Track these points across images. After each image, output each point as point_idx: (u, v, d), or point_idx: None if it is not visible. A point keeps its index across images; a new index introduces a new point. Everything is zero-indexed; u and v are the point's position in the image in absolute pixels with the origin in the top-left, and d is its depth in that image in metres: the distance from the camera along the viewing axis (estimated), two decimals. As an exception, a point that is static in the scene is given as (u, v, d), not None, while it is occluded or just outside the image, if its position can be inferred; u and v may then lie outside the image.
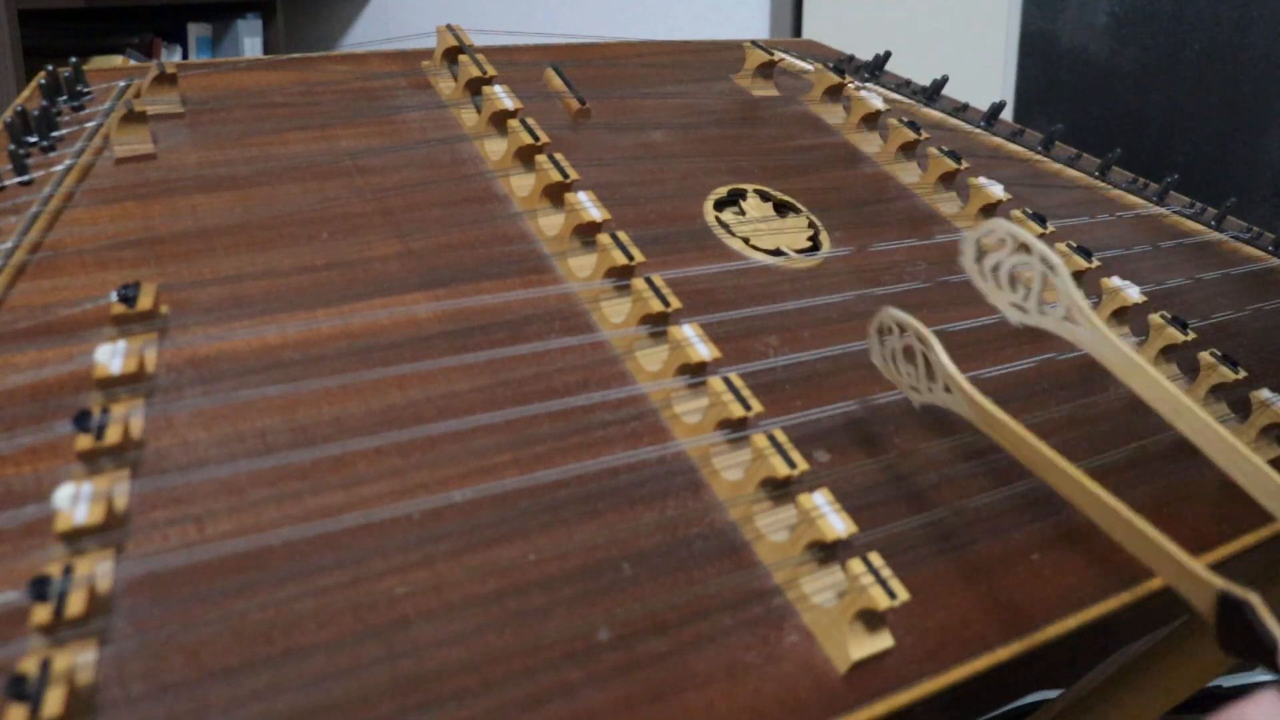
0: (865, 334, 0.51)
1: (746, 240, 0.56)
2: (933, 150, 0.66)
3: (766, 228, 0.57)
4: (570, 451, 0.40)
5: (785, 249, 0.56)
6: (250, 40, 1.78)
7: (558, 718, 0.32)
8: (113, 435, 0.34)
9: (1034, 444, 0.38)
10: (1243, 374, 0.55)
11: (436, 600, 0.34)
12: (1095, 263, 0.59)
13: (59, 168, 0.46)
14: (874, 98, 0.70)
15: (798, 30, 1.40)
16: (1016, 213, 0.62)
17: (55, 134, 0.49)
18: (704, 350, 0.43)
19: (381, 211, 0.49)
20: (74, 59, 0.55)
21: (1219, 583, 0.32)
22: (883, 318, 0.43)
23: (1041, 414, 0.49)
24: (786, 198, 0.60)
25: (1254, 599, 0.31)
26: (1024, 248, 0.41)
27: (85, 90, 0.53)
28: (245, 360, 0.40)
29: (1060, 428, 0.49)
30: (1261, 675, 0.66)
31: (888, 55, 0.81)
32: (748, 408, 0.40)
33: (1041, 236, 0.61)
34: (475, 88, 0.58)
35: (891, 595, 0.35)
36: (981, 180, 0.64)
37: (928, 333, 0.42)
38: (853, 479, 0.43)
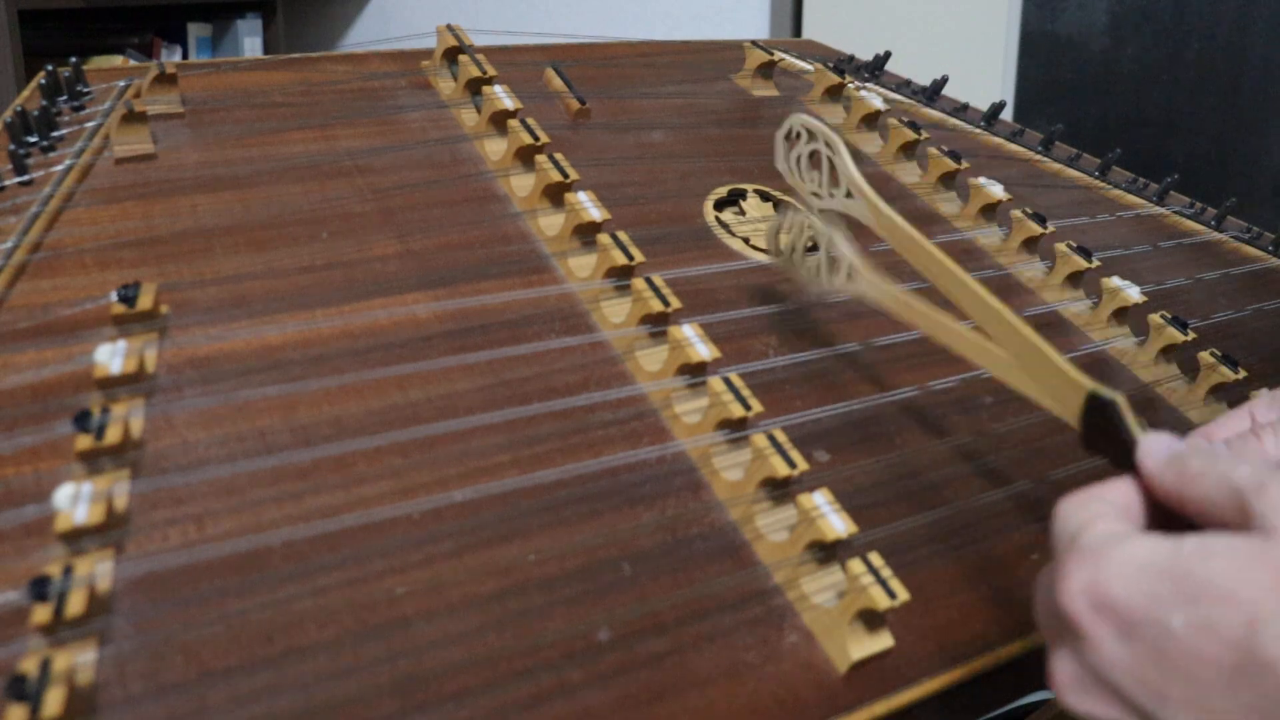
0: (868, 334, 0.51)
1: (746, 240, 0.56)
2: (933, 150, 0.66)
3: (766, 228, 0.57)
4: (570, 451, 0.40)
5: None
6: (250, 40, 1.78)
7: (558, 718, 0.32)
8: (113, 435, 0.34)
9: (930, 250, 0.39)
10: (1243, 374, 0.55)
11: (436, 600, 0.34)
12: (1095, 263, 0.59)
13: (59, 168, 0.46)
14: (874, 98, 0.70)
15: (798, 30, 1.40)
16: (1016, 212, 0.62)
17: (55, 134, 0.49)
18: (704, 350, 0.43)
19: (381, 211, 0.49)
20: (74, 59, 0.55)
21: (1089, 383, 0.33)
22: (791, 122, 0.44)
23: (1041, 413, 0.49)
24: (786, 198, 0.60)
25: (1120, 399, 0.32)
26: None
27: (85, 90, 0.53)
28: (245, 360, 0.40)
29: (1060, 427, 0.49)
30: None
31: (888, 55, 0.81)
32: (748, 408, 0.40)
33: (1041, 236, 0.61)
34: (475, 88, 0.58)
35: (891, 595, 0.35)
36: (981, 180, 0.64)
37: (835, 137, 0.43)
38: (853, 479, 0.43)
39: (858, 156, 0.67)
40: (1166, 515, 0.30)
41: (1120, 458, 0.32)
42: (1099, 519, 0.29)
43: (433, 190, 0.52)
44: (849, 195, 0.42)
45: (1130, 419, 0.32)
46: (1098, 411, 0.33)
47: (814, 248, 0.44)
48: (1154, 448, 0.31)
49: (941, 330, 0.39)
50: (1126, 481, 0.31)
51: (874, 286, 0.41)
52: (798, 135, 0.44)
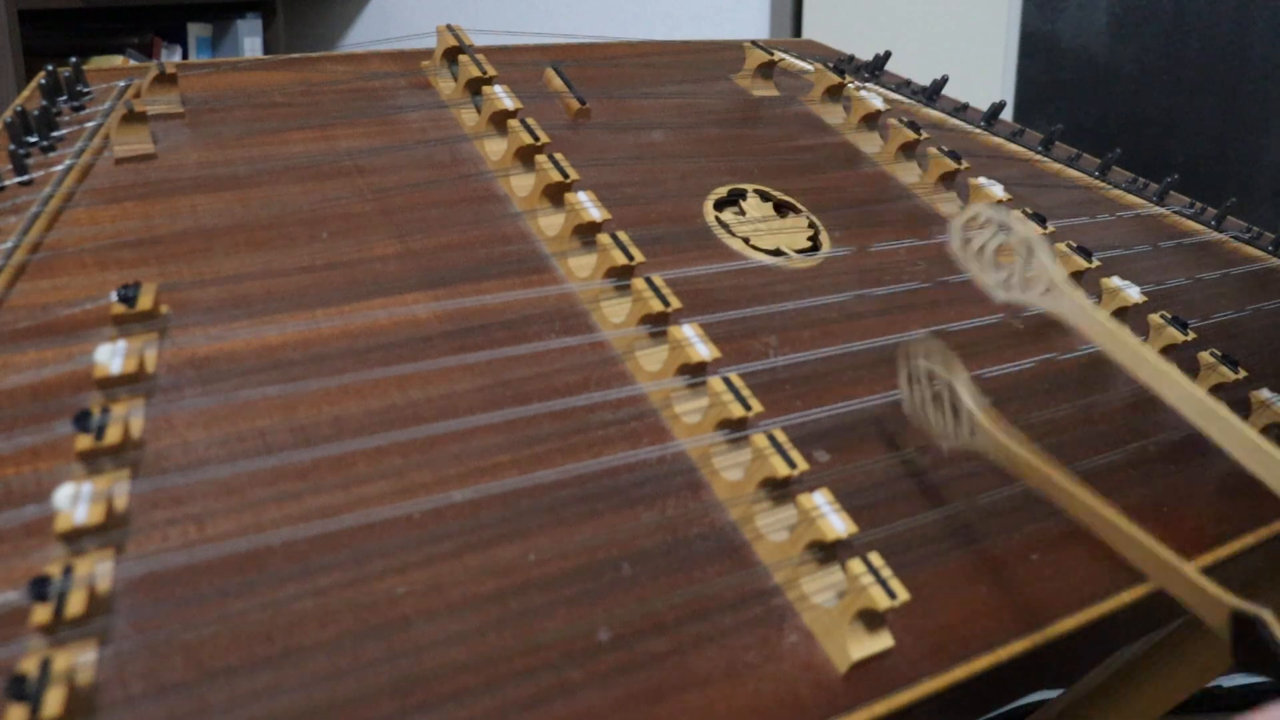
0: (867, 334, 0.51)
1: (746, 240, 0.56)
2: (933, 150, 0.66)
3: (766, 228, 0.57)
4: (570, 451, 0.40)
5: (785, 249, 0.56)
6: (250, 40, 1.78)
7: (558, 718, 0.32)
8: (113, 435, 0.34)
9: (1062, 482, 0.38)
10: (1243, 374, 0.55)
11: (437, 600, 0.34)
12: (1095, 263, 0.59)
13: (59, 168, 0.46)
14: (874, 98, 0.70)
15: (798, 30, 1.40)
16: (1016, 212, 0.62)
17: (55, 134, 0.49)
18: (704, 350, 0.43)
19: (381, 211, 0.49)
20: (74, 59, 0.55)
21: (1232, 601, 0.33)
22: (910, 368, 0.43)
23: (1042, 414, 0.49)
24: (786, 198, 0.60)
25: (1266, 615, 0.32)
26: (1005, 228, 0.42)
27: (85, 90, 0.53)
28: (245, 360, 0.40)
29: (1060, 428, 0.49)
30: (1258, 677, 0.66)
31: (888, 55, 0.81)
32: (748, 408, 0.40)
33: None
34: (475, 88, 0.58)
35: (891, 595, 0.35)
36: (981, 180, 0.64)
37: (955, 375, 0.41)
38: (853, 479, 0.43)
39: (858, 157, 0.67)
40: None
41: (1274, 673, 0.32)
42: None
43: (433, 190, 0.52)
44: (972, 433, 0.40)
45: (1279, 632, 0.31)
46: (1245, 628, 0.33)
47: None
48: None
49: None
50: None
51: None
52: (918, 380, 0.43)
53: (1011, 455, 0.39)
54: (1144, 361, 0.38)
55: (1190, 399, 0.37)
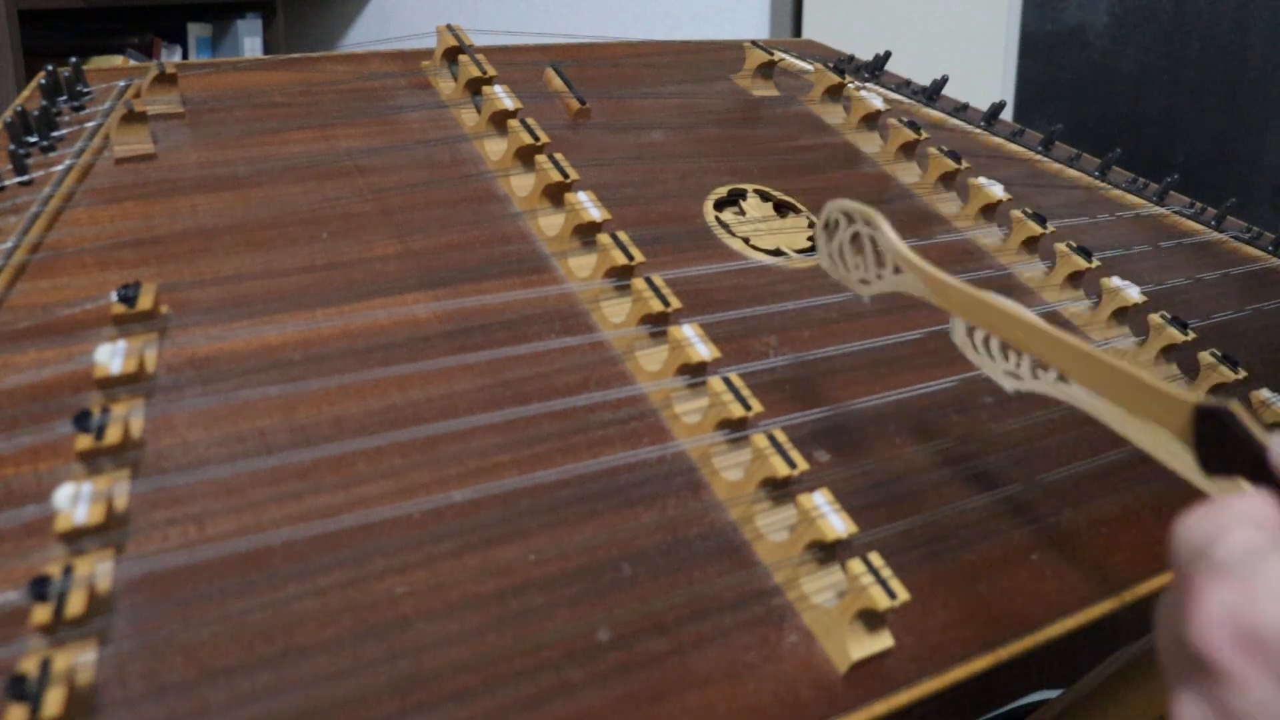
0: (867, 334, 0.51)
1: (746, 240, 0.56)
2: (933, 150, 0.66)
3: (766, 228, 0.57)
4: (570, 451, 0.40)
5: (785, 249, 0.56)
6: (250, 40, 1.78)
7: (557, 718, 0.32)
8: (113, 435, 0.34)
9: (989, 300, 0.36)
10: (1243, 374, 0.55)
11: (436, 600, 0.34)
12: (1095, 263, 0.59)
13: (59, 168, 0.46)
14: (874, 98, 0.70)
15: (798, 30, 1.40)
16: (1016, 212, 0.62)
17: (55, 134, 0.49)
18: (704, 350, 0.43)
19: (381, 211, 0.49)
20: (74, 59, 0.55)
21: (1192, 397, 0.30)
22: (828, 211, 0.42)
23: (1041, 414, 0.49)
24: (786, 198, 0.60)
25: (1234, 405, 0.28)
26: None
27: (85, 90, 0.53)
28: (245, 360, 0.40)
29: (1060, 427, 0.49)
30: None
31: (888, 55, 0.81)
32: (748, 408, 0.40)
33: (1041, 236, 0.61)
34: (475, 88, 0.58)
35: (891, 595, 0.35)
36: (981, 180, 0.64)
37: (872, 212, 0.41)
38: (853, 479, 0.43)
39: (858, 157, 0.67)
40: None
41: (1249, 469, 0.28)
42: (1234, 527, 0.24)
43: (433, 190, 0.52)
44: (897, 270, 0.40)
45: (1250, 424, 0.28)
46: (1210, 425, 0.29)
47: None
48: None
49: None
50: (1259, 494, 0.26)
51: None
52: (835, 223, 0.42)
53: (939, 285, 0.38)
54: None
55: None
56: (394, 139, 0.55)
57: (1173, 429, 0.31)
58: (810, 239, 0.58)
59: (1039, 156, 0.76)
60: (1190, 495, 0.47)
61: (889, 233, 0.40)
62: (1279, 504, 0.26)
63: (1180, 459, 0.31)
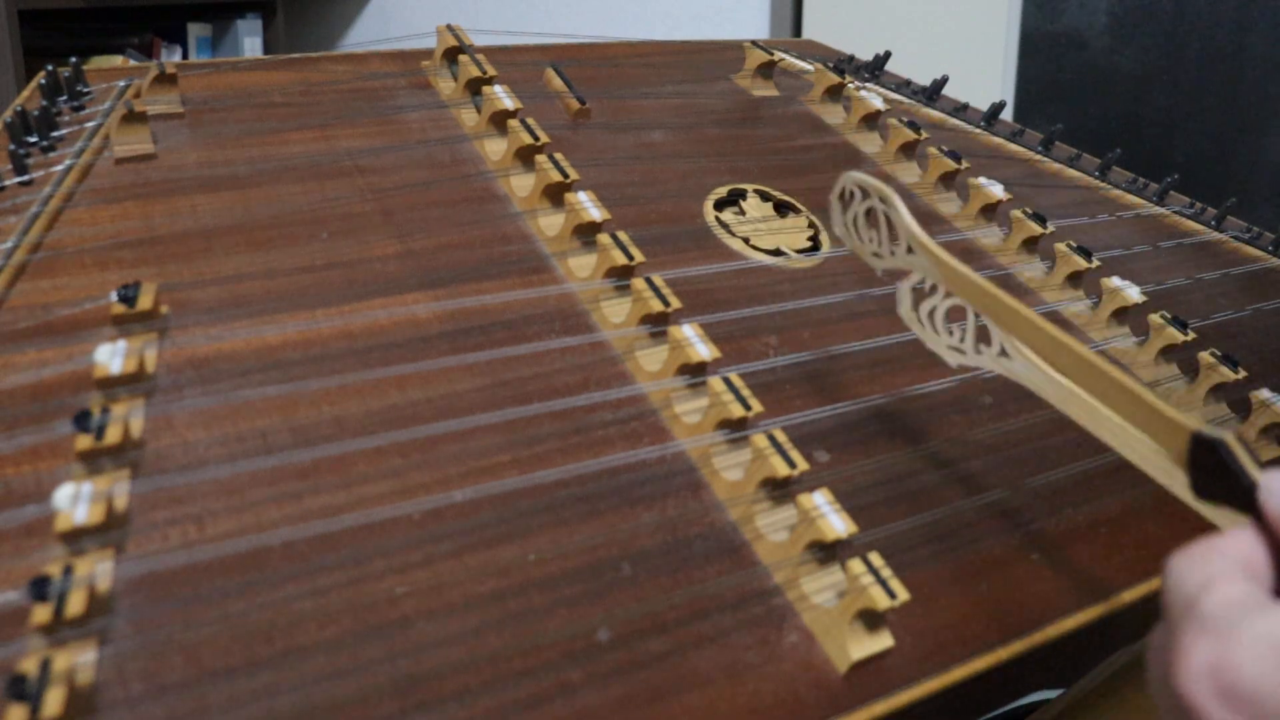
0: (867, 334, 0.51)
1: (746, 240, 0.56)
2: (933, 150, 0.66)
3: (766, 228, 0.57)
4: (570, 451, 0.40)
5: (785, 249, 0.56)
6: (250, 40, 1.78)
7: (558, 718, 0.32)
8: (113, 435, 0.34)
9: (1001, 298, 0.37)
10: (1243, 374, 0.55)
11: (436, 600, 0.34)
12: (1095, 263, 0.59)
13: (59, 168, 0.46)
14: (874, 98, 0.70)
15: (798, 30, 1.40)
16: (1016, 212, 0.62)
17: (55, 134, 0.49)
18: (704, 350, 0.43)
19: (381, 211, 0.49)
20: (74, 59, 0.55)
21: (1191, 424, 0.30)
22: (843, 182, 0.42)
23: (1041, 414, 0.49)
24: (786, 198, 0.60)
25: (1229, 438, 0.29)
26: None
27: (85, 90, 0.53)
28: (245, 360, 0.40)
29: (1060, 427, 0.49)
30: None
31: (888, 55, 0.81)
32: (748, 408, 0.40)
33: (1041, 236, 0.61)
34: (475, 88, 0.58)
35: (891, 595, 0.35)
36: (981, 180, 0.64)
37: (889, 191, 0.41)
38: (853, 479, 0.43)
39: (858, 157, 0.67)
40: None
41: (1238, 502, 0.29)
42: (1221, 579, 0.25)
43: (433, 190, 0.52)
44: (910, 250, 0.40)
45: (1244, 458, 0.29)
46: (1205, 453, 0.30)
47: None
48: (1278, 488, 0.27)
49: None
50: (1247, 531, 0.27)
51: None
52: (851, 195, 0.42)
53: (951, 271, 0.38)
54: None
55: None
56: (394, 139, 0.55)
57: (1169, 450, 0.31)
58: (810, 239, 0.58)
59: (1039, 156, 0.76)
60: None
61: (904, 212, 0.40)
62: (1264, 541, 0.27)
63: (1170, 476, 0.31)
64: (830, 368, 0.48)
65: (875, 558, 0.36)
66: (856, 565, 0.36)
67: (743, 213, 0.58)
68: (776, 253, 0.55)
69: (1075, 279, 0.60)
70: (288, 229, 0.47)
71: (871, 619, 0.36)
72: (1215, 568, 0.26)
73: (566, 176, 0.50)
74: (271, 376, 0.39)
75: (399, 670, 0.32)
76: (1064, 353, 0.35)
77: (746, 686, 0.34)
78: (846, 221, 0.43)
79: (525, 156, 0.53)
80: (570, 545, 0.36)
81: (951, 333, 0.39)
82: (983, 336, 0.38)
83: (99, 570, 0.30)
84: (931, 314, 0.40)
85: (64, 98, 0.52)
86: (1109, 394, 0.33)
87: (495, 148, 0.55)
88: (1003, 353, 0.37)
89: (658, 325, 0.45)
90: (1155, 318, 0.57)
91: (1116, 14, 1.18)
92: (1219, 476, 0.29)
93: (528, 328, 0.45)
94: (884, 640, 0.36)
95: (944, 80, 0.80)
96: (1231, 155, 1.15)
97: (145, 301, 0.39)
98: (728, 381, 0.41)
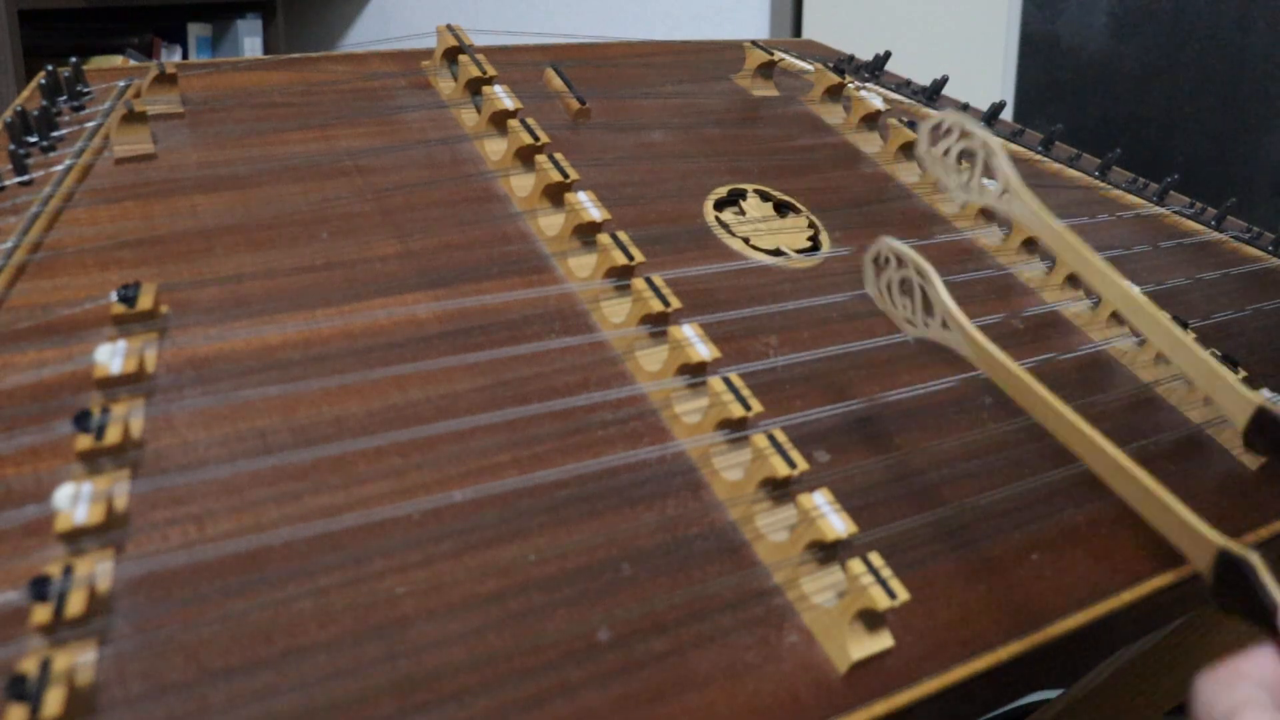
0: (867, 334, 0.51)
1: (746, 240, 0.56)
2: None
3: (766, 228, 0.57)
4: (570, 451, 0.40)
5: (785, 249, 0.56)
6: (250, 40, 1.78)
7: (557, 718, 0.32)
8: (113, 435, 0.34)
9: (1033, 386, 0.37)
10: (1242, 374, 0.55)
11: (437, 600, 0.34)
12: (1095, 263, 0.59)
13: (59, 168, 0.46)
14: (874, 98, 0.70)
15: (798, 30, 1.40)
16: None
17: (55, 134, 0.49)
18: (704, 350, 0.43)
19: (381, 211, 0.49)
20: (74, 59, 0.55)
21: (1219, 540, 0.32)
22: (880, 248, 0.43)
23: (1041, 414, 0.49)
24: (786, 198, 0.60)
25: (1254, 559, 0.30)
26: (966, 135, 0.44)
27: (85, 90, 0.53)
28: (245, 360, 0.40)
29: (1060, 428, 0.49)
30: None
31: (888, 55, 0.81)
32: (748, 408, 0.40)
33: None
34: (475, 88, 0.58)
35: (891, 595, 0.35)
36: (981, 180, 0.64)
37: (928, 266, 0.41)
38: (853, 479, 0.43)
39: (858, 157, 0.67)
40: None
41: (1258, 619, 0.30)
42: (1248, 708, 0.26)
43: (433, 190, 0.52)
44: (945, 326, 0.40)
45: (1268, 579, 0.30)
46: (1230, 570, 0.31)
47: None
48: None
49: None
50: (1269, 652, 0.29)
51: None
52: (886, 261, 0.42)
53: (989, 358, 0.39)
54: (1102, 274, 0.39)
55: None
56: (394, 139, 0.55)
57: (1197, 560, 0.33)
58: (810, 239, 0.58)
59: (1039, 156, 0.76)
60: (1189, 496, 0.47)
61: (941, 290, 0.41)
62: None
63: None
64: (830, 368, 0.48)
65: (875, 558, 0.36)
66: (856, 565, 0.36)
67: (743, 213, 0.58)
68: (776, 253, 0.55)
69: (1075, 279, 0.60)
70: (288, 229, 0.47)
71: (871, 619, 0.36)
72: (1242, 695, 0.27)
73: (566, 176, 0.50)
74: (271, 376, 0.39)
75: (399, 670, 0.32)
76: (1095, 454, 0.36)
77: (746, 686, 0.34)
78: (880, 286, 0.43)
79: (525, 156, 0.53)
80: (570, 545, 0.36)
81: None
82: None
83: (99, 570, 0.30)
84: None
85: (64, 98, 0.52)
86: (1141, 499, 0.35)
87: (495, 148, 0.55)
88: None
89: (658, 325, 0.45)
90: (1155, 318, 0.57)
91: (1116, 14, 1.18)
92: (1242, 594, 0.31)
93: (528, 328, 0.45)
94: (884, 640, 0.36)
95: (944, 80, 0.80)
96: (1231, 155, 1.15)
97: (145, 301, 0.39)
98: (728, 381, 0.41)
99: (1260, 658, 0.28)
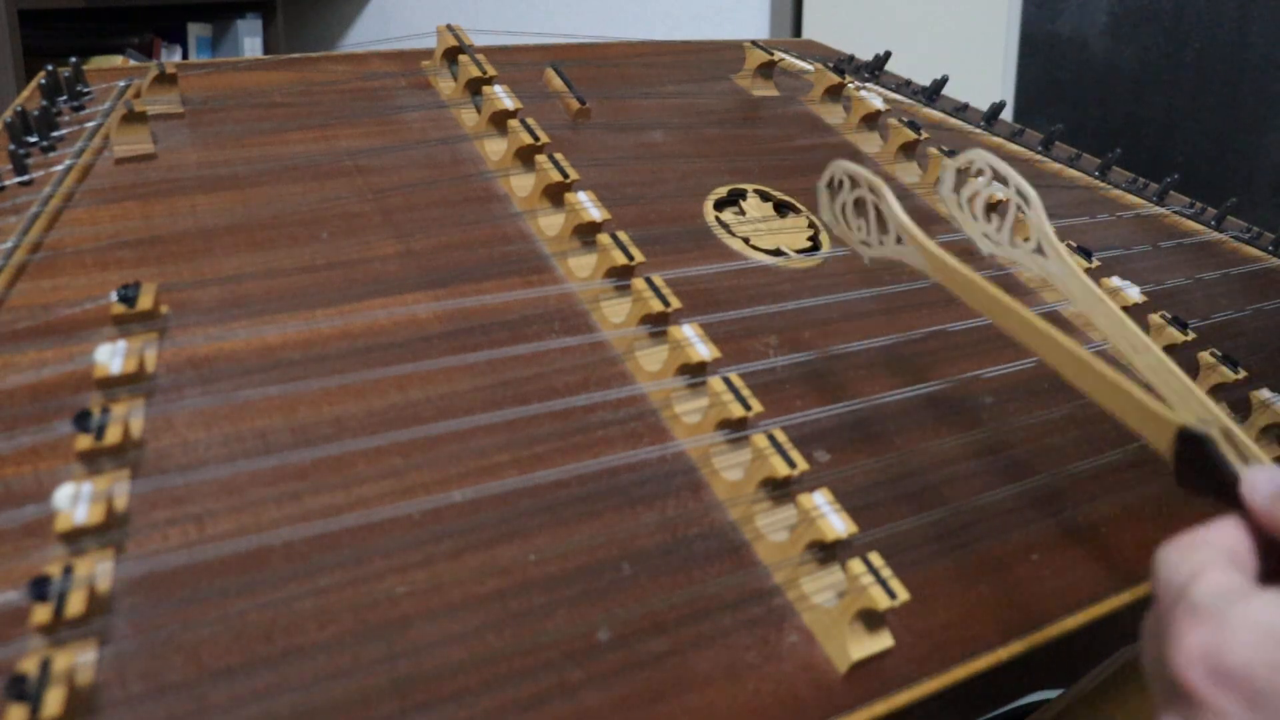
0: (867, 334, 0.51)
1: (746, 240, 0.56)
2: (933, 150, 0.66)
3: (766, 228, 0.57)
4: (570, 451, 0.40)
5: (785, 249, 0.56)
6: (250, 40, 1.78)
7: (557, 718, 0.32)
8: (113, 435, 0.34)
9: (991, 291, 0.37)
10: (1243, 374, 0.55)
11: (436, 600, 0.34)
12: (1095, 263, 0.59)
13: (59, 168, 0.46)
14: (874, 98, 0.70)
15: (798, 30, 1.40)
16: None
17: (55, 134, 0.49)
18: (704, 350, 0.43)
19: (381, 211, 0.49)
20: (74, 59, 0.55)
21: (1178, 418, 0.31)
22: (833, 170, 0.43)
23: (1042, 414, 0.49)
24: (786, 198, 0.60)
25: (1214, 432, 0.30)
26: (1001, 180, 0.41)
27: (85, 90, 0.53)
28: (245, 360, 0.40)
29: (1060, 427, 0.49)
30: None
31: (888, 55, 0.81)
32: (748, 408, 0.40)
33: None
34: (475, 88, 0.58)
35: (891, 595, 0.35)
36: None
37: (879, 182, 0.41)
38: (853, 479, 0.43)
39: (858, 157, 0.67)
40: None
41: (1222, 495, 0.29)
42: (1209, 568, 0.27)
43: (433, 190, 0.52)
44: (899, 240, 0.40)
45: (1228, 453, 0.30)
46: (1191, 448, 0.30)
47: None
48: (1259, 482, 0.28)
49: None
50: (1232, 522, 0.28)
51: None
52: (840, 183, 0.42)
53: (940, 263, 0.39)
54: (1126, 331, 0.37)
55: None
56: (394, 139, 0.55)
57: (1156, 442, 0.32)
58: (810, 239, 0.58)
59: (1039, 156, 0.76)
60: (1189, 497, 0.47)
61: (893, 203, 0.40)
62: (1248, 531, 0.28)
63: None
64: (830, 368, 0.48)
65: (875, 558, 0.36)
66: (856, 565, 0.36)
67: (743, 213, 0.58)
68: (776, 253, 0.55)
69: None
70: (288, 229, 0.47)
71: (871, 619, 0.36)
72: (1203, 557, 0.27)
73: (566, 176, 0.50)
74: (271, 376, 0.39)
75: (399, 670, 0.32)
76: (1055, 348, 0.35)
77: (746, 686, 0.34)
78: (835, 209, 0.43)
79: (525, 156, 0.53)
80: (570, 545, 0.36)
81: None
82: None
83: (99, 570, 0.30)
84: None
85: (64, 98, 0.52)
86: (1098, 388, 0.34)
87: (495, 148, 0.55)
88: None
89: (658, 325, 0.45)
90: (1155, 318, 0.57)
91: (1116, 14, 1.18)
92: (1203, 471, 0.30)
93: (528, 328, 0.45)
94: (884, 640, 0.36)
95: (944, 80, 0.80)
96: (1231, 155, 1.15)
97: (145, 301, 0.39)
98: (728, 381, 0.41)
99: (1223, 527, 0.28)
